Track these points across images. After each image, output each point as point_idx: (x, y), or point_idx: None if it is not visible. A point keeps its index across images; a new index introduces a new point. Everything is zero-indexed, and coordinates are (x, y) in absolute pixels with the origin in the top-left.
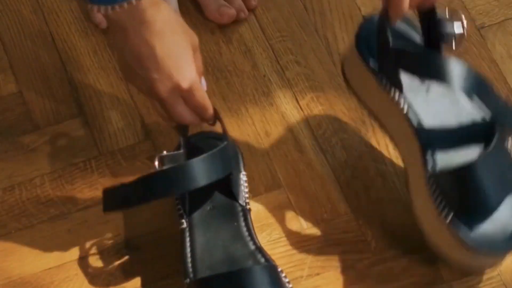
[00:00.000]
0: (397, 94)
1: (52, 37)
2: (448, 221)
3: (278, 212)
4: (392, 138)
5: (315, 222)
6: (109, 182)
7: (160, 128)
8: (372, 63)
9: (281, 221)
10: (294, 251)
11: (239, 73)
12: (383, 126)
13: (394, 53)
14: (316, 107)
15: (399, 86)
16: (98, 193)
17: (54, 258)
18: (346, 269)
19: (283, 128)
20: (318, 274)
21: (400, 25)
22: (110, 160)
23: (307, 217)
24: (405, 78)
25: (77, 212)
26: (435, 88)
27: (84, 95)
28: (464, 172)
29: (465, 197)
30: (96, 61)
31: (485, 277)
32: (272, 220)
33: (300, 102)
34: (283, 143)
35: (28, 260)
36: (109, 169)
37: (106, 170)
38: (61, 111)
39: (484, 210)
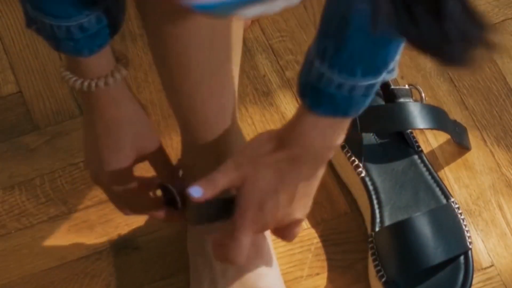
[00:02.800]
0: (356, 158)
1: None
2: (382, 282)
3: None
4: (356, 201)
5: (315, 222)
6: None
7: (160, 128)
8: None
9: None
10: (294, 251)
11: (239, 73)
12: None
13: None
14: None
15: (359, 151)
16: (98, 193)
17: (54, 258)
18: (346, 269)
19: None
20: (318, 274)
21: None
22: None
23: (307, 217)
24: (366, 143)
25: (77, 212)
26: (393, 150)
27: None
28: (396, 231)
29: (397, 257)
30: None
31: (485, 277)
32: None
33: None
34: None
35: (28, 260)
36: None
37: None
38: (61, 111)
39: (415, 271)
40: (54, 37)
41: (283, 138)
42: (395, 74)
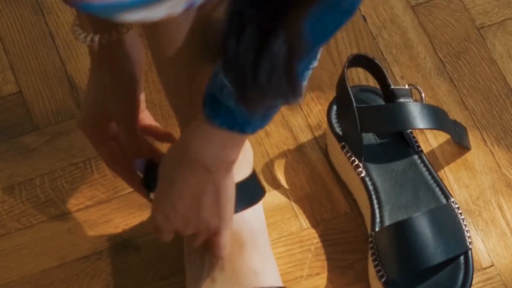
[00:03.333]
0: (356, 158)
1: (52, 37)
2: (382, 282)
3: (278, 212)
4: (356, 201)
5: (315, 222)
6: (109, 182)
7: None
8: (338, 130)
9: (281, 221)
10: (294, 251)
11: None
12: (350, 190)
13: (356, 111)
14: (316, 107)
15: (359, 151)
16: (98, 193)
17: (54, 258)
18: (346, 269)
19: (283, 128)
20: (318, 274)
21: (363, 94)
22: None
23: (307, 217)
24: (366, 143)
25: (77, 212)
26: (393, 150)
27: (84, 95)
28: (396, 231)
29: (397, 257)
30: None
31: (485, 277)
32: (272, 220)
33: (300, 102)
34: (283, 143)
35: (28, 260)
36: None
37: (106, 170)
38: (61, 111)
39: (415, 271)
40: None
41: (181, 145)
42: (300, 101)
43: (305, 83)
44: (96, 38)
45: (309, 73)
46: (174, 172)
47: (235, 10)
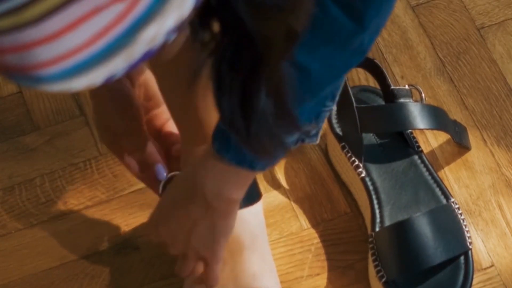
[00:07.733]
0: (357, 158)
1: None
2: (382, 282)
3: (278, 212)
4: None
5: (315, 222)
6: (109, 182)
7: None
8: (338, 130)
9: (281, 221)
10: (294, 251)
11: None
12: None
13: (356, 111)
14: None
15: (359, 151)
16: (98, 193)
17: (54, 258)
18: (346, 269)
19: None
20: (318, 274)
21: (363, 94)
22: (110, 160)
23: (307, 217)
24: (366, 143)
25: (77, 212)
26: (393, 150)
27: (84, 95)
28: (396, 231)
29: (397, 257)
30: None
31: (485, 277)
32: (272, 220)
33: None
34: None
35: (28, 260)
36: (109, 169)
37: (106, 170)
38: (61, 111)
39: (415, 271)
40: None
41: (189, 173)
42: (316, 141)
43: (321, 124)
44: None
45: (326, 114)
46: (178, 195)
47: (217, 71)
